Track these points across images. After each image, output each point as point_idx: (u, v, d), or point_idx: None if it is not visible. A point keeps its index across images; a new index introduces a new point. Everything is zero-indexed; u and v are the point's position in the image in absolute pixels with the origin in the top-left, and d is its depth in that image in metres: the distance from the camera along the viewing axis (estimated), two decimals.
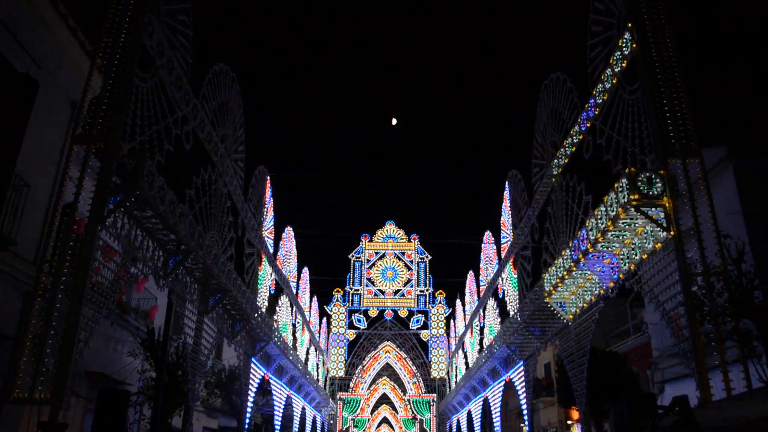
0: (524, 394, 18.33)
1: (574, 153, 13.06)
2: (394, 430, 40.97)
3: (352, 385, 40.71)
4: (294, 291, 26.25)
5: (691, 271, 8.55)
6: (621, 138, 10.42)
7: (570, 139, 13.24)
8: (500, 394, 22.69)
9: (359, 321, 40.90)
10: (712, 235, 8.70)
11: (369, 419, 40.50)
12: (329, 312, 40.58)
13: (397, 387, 41.24)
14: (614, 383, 16.48)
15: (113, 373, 14.77)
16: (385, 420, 41.38)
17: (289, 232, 26.05)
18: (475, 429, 27.88)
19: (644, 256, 9.81)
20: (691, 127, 9.35)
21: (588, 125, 12.03)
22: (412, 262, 41.68)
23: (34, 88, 11.15)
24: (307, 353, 29.50)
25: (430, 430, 39.43)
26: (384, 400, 41.48)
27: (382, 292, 41.12)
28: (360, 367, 41.13)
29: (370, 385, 41.15)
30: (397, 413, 40.91)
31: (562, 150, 13.81)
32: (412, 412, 40.14)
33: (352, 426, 39.59)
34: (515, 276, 18.68)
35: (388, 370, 41.68)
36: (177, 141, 10.96)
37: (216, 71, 13.92)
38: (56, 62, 12.21)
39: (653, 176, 9.08)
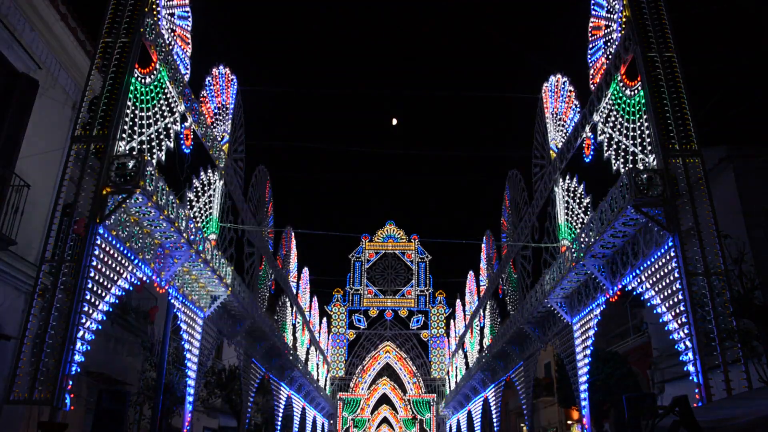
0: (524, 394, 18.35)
1: (575, 153, 13.06)
2: (394, 430, 40.77)
3: (352, 385, 40.64)
4: (294, 291, 26.24)
5: (692, 271, 8.56)
6: (621, 138, 10.43)
7: (570, 139, 13.24)
8: (500, 394, 22.69)
9: (359, 321, 40.88)
10: (712, 235, 8.71)
11: (369, 419, 40.38)
12: (329, 312, 40.57)
13: (397, 387, 41.10)
14: (614, 383, 16.45)
15: (113, 373, 14.75)
16: (385, 420, 41.20)
17: (289, 232, 26.05)
18: (475, 429, 27.87)
19: (644, 256, 9.81)
20: (692, 127, 9.36)
21: (588, 125, 12.04)
22: (412, 262, 41.68)
23: (34, 88, 11.14)
24: (307, 353, 29.50)
25: (430, 430, 39.26)
26: (384, 400, 41.31)
27: (383, 292, 41.14)
28: (360, 367, 41.07)
29: (370, 385, 40.99)
30: (397, 413, 40.76)
31: (563, 150, 13.81)
32: (412, 412, 39.98)
33: (352, 426, 39.45)
34: (515, 276, 18.68)
35: (388, 370, 41.56)
36: (177, 140, 10.97)
37: (216, 72, 13.93)
38: (56, 62, 12.20)
39: (653, 176, 9.09)
